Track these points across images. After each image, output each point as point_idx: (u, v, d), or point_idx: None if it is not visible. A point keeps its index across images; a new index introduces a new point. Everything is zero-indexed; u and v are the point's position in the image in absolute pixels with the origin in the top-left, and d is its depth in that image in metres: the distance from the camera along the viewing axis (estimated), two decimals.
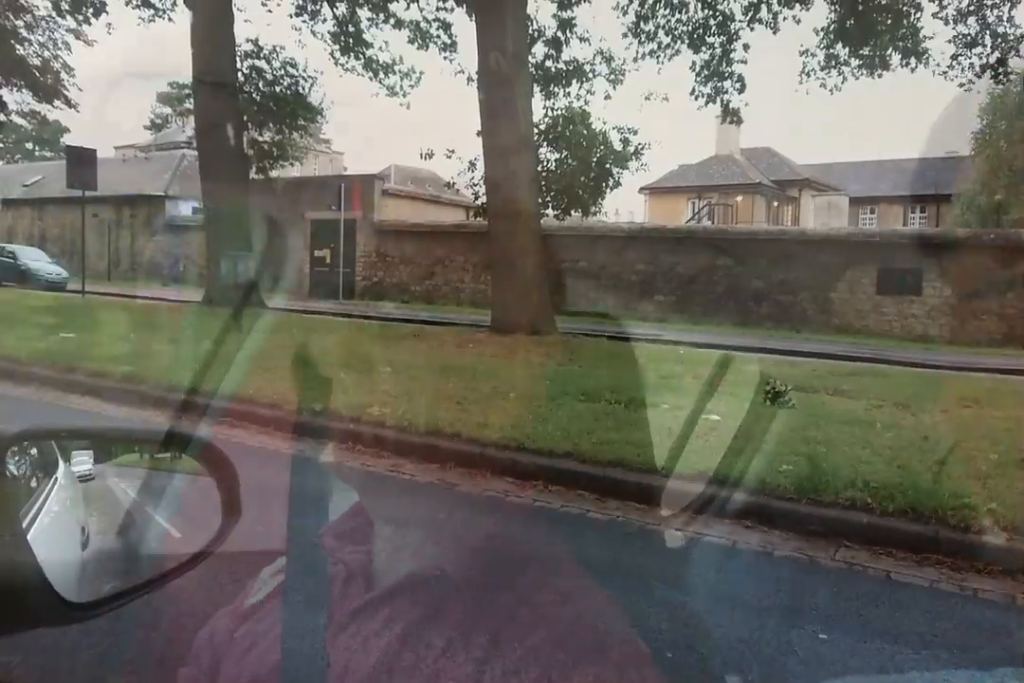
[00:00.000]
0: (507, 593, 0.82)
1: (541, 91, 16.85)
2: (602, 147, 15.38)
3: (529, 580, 0.85)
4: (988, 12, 15.54)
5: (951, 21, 15.80)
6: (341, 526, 1.00)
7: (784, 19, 17.01)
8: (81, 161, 18.44)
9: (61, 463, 1.02)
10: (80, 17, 19.73)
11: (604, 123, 18.53)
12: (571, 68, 17.28)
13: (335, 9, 19.22)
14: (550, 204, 15.45)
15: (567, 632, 0.78)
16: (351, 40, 19.57)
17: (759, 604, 3.39)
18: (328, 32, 19.57)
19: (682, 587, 3.54)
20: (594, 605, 0.82)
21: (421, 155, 18.26)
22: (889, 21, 15.96)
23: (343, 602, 0.89)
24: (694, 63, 17.73)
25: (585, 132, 15.30)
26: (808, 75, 17.47)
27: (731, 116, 18.38)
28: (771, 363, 11.07)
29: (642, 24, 17.54)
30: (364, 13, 19.28)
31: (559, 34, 17.25)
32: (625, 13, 17.57)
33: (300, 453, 5.84)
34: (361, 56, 19.89)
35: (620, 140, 15.57)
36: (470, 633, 0.79)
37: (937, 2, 15.72)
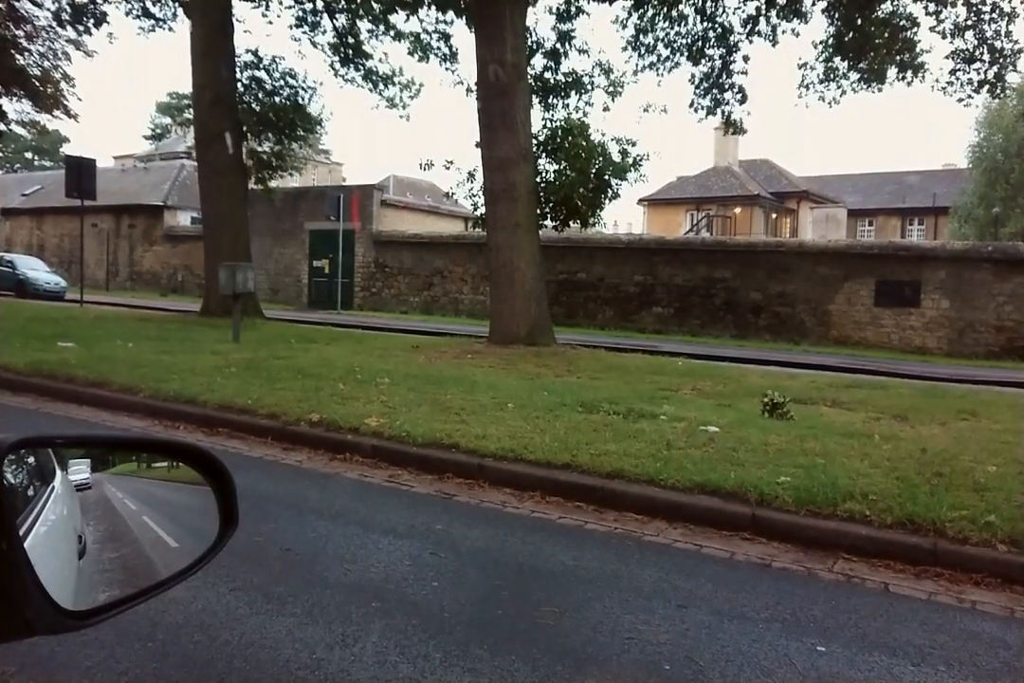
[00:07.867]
0: None
1: (540, 103, 16.89)
2: (601, 159, 15.34)
3: None
4: (986, 27, 15.62)
5: (948, 35, 15.88)
6: None
7: (783, 32, 17.14)
8: (80, 171, 18.46)
9: (58, 472, 1.02)
10: (81, 28, 19.84)
11: (603, 135, 18.54)
12: (570, 80, 17.35)
13: (335, 21, 19.34)
14: (548, 215, 15.39)
15: None
16: (351, 51, 19.68)
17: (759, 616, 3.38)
18: (328, 43, 19.71)
19: (681, 601, 3.53)
20: None
21: (420, 166, 18.16)
22: (886, 35, 16.03)
23: None
24: (693, 75, 17.84)
25: (584, 144, 15.25)
26: (807, 88, 17.58)
27: (733, 127, 18.47)
28: (769, 375, 11.08)
29: (641, 37, 17.69)
30: (364, 25, 19.42)
31: (558, 46, 17.34)
32: (624, 26, 17.72)
33: (298, 464, 5.84)
34: (361, 67, 20.00)
35: (619, 151, 15.52)
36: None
37: (935, 16, 15.81)
